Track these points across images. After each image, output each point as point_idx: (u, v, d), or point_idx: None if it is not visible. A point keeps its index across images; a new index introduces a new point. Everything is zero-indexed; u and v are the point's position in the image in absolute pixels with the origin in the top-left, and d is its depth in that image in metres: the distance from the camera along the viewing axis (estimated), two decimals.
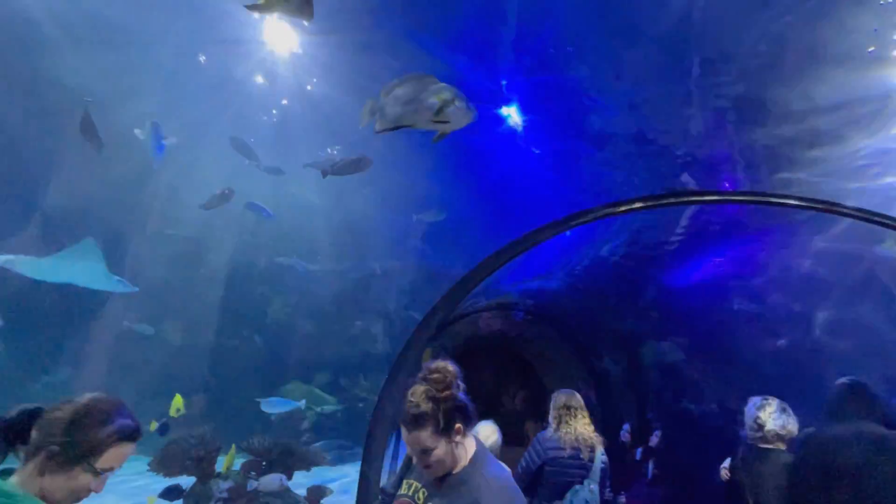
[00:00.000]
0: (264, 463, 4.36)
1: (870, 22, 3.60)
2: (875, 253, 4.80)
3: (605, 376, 8.91)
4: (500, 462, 1.80)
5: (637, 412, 7.91)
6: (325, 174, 6.50)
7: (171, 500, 4.42)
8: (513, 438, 3.69)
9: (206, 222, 9.60)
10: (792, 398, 3.33)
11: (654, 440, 6.15)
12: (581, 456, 3.34)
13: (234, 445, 4.84)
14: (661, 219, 5.61)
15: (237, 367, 9.04)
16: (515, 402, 11.16)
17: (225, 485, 4.14)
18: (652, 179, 5.83)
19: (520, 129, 6.06)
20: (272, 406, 6.92)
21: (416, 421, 1.58)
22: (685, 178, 5.74)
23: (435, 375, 1.72)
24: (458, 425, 1.67)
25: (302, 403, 7.54)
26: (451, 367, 1.77)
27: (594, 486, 3.29)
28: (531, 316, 8.88)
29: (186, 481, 4.68)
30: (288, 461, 4.22)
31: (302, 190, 8.98)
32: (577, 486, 3.27)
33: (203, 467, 4.35)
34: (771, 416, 3.14)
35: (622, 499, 6.03)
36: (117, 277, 6.09)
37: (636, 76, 5.06)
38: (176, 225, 9.95)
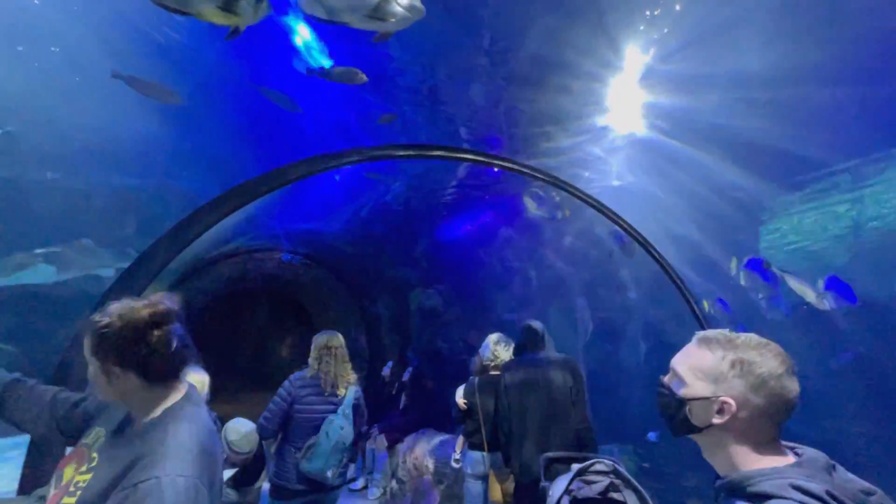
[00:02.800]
0: None
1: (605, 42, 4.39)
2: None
3: (376, 320, 9.42)
4: (207, 416, 1.51)
5: (400, 352, 8.70)
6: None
7: None
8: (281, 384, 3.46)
9: None
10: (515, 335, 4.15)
11: (407, 375, 6.84)
12: (337, 393, 3.37)
13: None
14: (438, 175, 5.99)
15: None
16: (285, 346, 10.82)
17: None
18: (437, 135, 6.08)
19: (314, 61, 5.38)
20: None
21: (94, 353, 1.34)
22: (465, 138, 6.13)
23: (120, 311, 1.37)
24: (149, 368, 1.36)
25: None
26: (138, 305, 1.39)
27: (348, 412, 3.38)
28: (308, 260, 8.52)
29: None
30: None
31: None
32: (332, 416, 3.30)
33: None
34: (505, 349, 3.86)
35: (375, 430, 6.58)
36: None
37: (435, 38, 5.03)
38: None
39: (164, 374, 1.39)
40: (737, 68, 3.81)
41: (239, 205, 2.70)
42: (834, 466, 1.02)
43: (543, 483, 2.79)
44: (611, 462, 2.41)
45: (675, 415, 1.13)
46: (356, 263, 8.59)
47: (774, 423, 1.05)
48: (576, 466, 2.43)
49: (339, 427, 3.29)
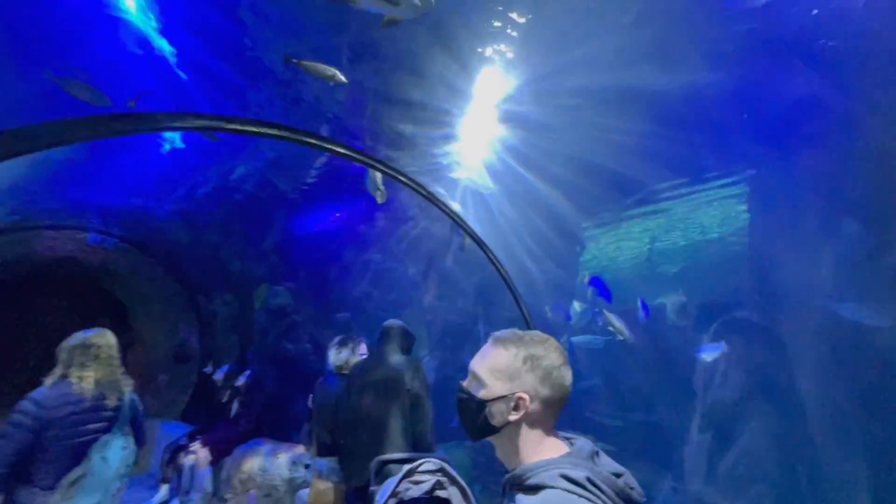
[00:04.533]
0: None
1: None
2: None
3: (212, 318, 8.28)
4: None
5: (239, 354, 7.80)
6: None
7: None
8: None
9: None
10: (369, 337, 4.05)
11: (242, 380, 6.15)
12: (106, 404, 2.71)
13: None
14: (296, 161, 5.55)
15: None
16: None
17: None
18: (295, 120, 5.65)
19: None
20: None
21: None
22: (325, 127, 5.80)
23: None
24: None
25: None
26: None
27: (127, 428, 2.76)
28: (126, 243, 7.07)
29: None
30: None
31: None
32: (106, 437, 2.64)
33: None
34: (347, 350, 3.72)
35: (196, 443, 5.73)
36: None
37: (297, 23, 4.67)
38: None
39: None
40: (573, 96, 4.35)
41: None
42: (598, 453, 1.13)
43: (372, 487, 2.71)
44: (438, 461, 2.43)
45: (476, 418, 1.14)
46: (191, 252, 7.44)
47: (555, 413, 1.13)
48: (406, 467, 2.40)
49: (121, 447, 2.69)
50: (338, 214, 6.60)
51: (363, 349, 3.95)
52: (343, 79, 3.92)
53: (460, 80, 4.29)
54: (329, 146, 2.33)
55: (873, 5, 3.26)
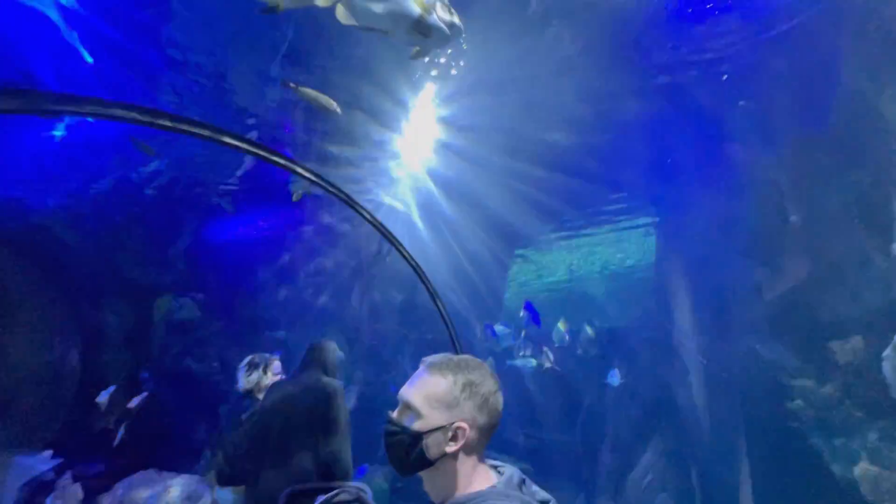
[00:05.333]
0: None
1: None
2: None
3: (98, 331, 7.24)
4: None
5: (132, 373, 6.89)
6: None
7: None
8: None
9: None
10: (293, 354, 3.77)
11: (135, 402, 5.43)
12: None
13: None
14: (213, 161, 5.14)
15: None
16: None
17: None
18: (222, 120, 5.27)
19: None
20: None
21: None
22: (252, 134, 5.51)
23: None
24: None
25: None
26: None
27: None
28: None
29: None
30: None
31: None
32: None
33: None
34: (265, 371, 3.42)
35: (66, 477, 4.92)
36: None
37: (229, 25, 4.44)
38: None
39: None
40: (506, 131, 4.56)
41: None
42: (524, 481, 1.10)
43: None
44: (355, 489, 2.28)
45: (410, 452, 1.05)
46: (78, 255, 6.48)
47: (488, 440, 1.09)
48: (320, 498, 2.22)
49: None
50: (259, 222, 6.18)
51: (277, 368, 3.69)
52: (338, 110, 3.93)
53: (401, 90, 4.30)
54: (254, 150, 2.14)
55: (774, 73, 3.86)
